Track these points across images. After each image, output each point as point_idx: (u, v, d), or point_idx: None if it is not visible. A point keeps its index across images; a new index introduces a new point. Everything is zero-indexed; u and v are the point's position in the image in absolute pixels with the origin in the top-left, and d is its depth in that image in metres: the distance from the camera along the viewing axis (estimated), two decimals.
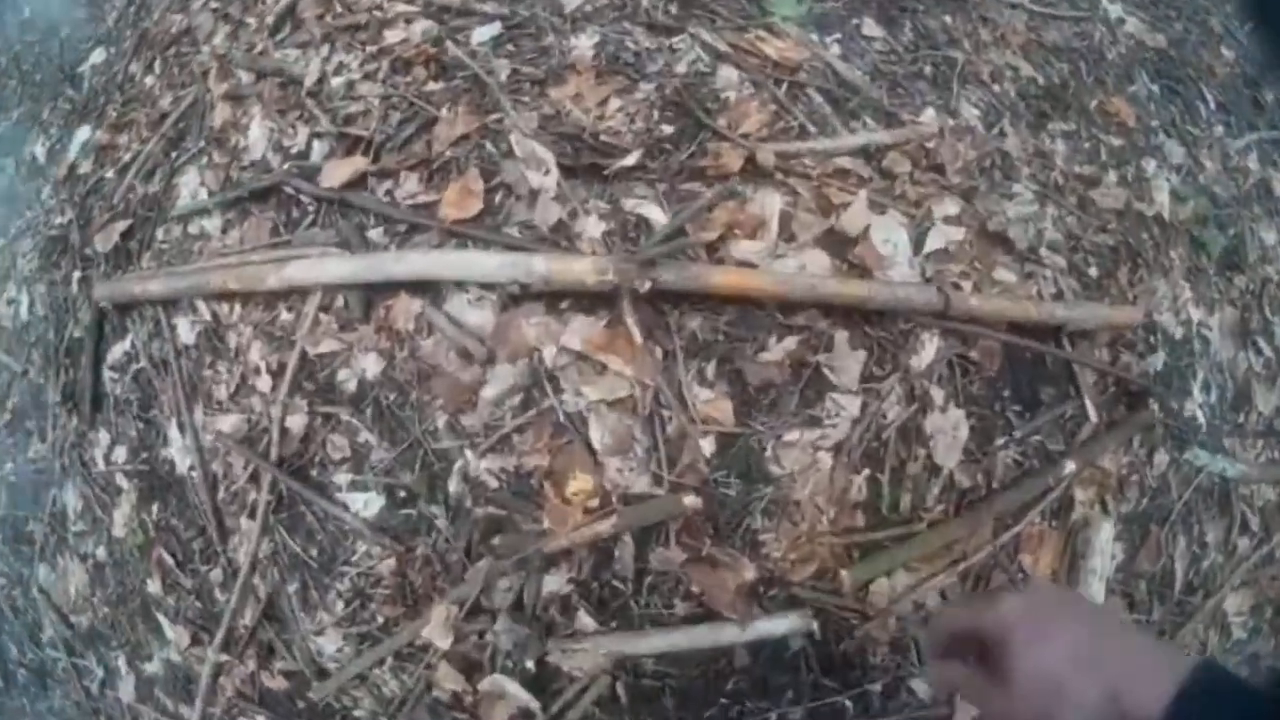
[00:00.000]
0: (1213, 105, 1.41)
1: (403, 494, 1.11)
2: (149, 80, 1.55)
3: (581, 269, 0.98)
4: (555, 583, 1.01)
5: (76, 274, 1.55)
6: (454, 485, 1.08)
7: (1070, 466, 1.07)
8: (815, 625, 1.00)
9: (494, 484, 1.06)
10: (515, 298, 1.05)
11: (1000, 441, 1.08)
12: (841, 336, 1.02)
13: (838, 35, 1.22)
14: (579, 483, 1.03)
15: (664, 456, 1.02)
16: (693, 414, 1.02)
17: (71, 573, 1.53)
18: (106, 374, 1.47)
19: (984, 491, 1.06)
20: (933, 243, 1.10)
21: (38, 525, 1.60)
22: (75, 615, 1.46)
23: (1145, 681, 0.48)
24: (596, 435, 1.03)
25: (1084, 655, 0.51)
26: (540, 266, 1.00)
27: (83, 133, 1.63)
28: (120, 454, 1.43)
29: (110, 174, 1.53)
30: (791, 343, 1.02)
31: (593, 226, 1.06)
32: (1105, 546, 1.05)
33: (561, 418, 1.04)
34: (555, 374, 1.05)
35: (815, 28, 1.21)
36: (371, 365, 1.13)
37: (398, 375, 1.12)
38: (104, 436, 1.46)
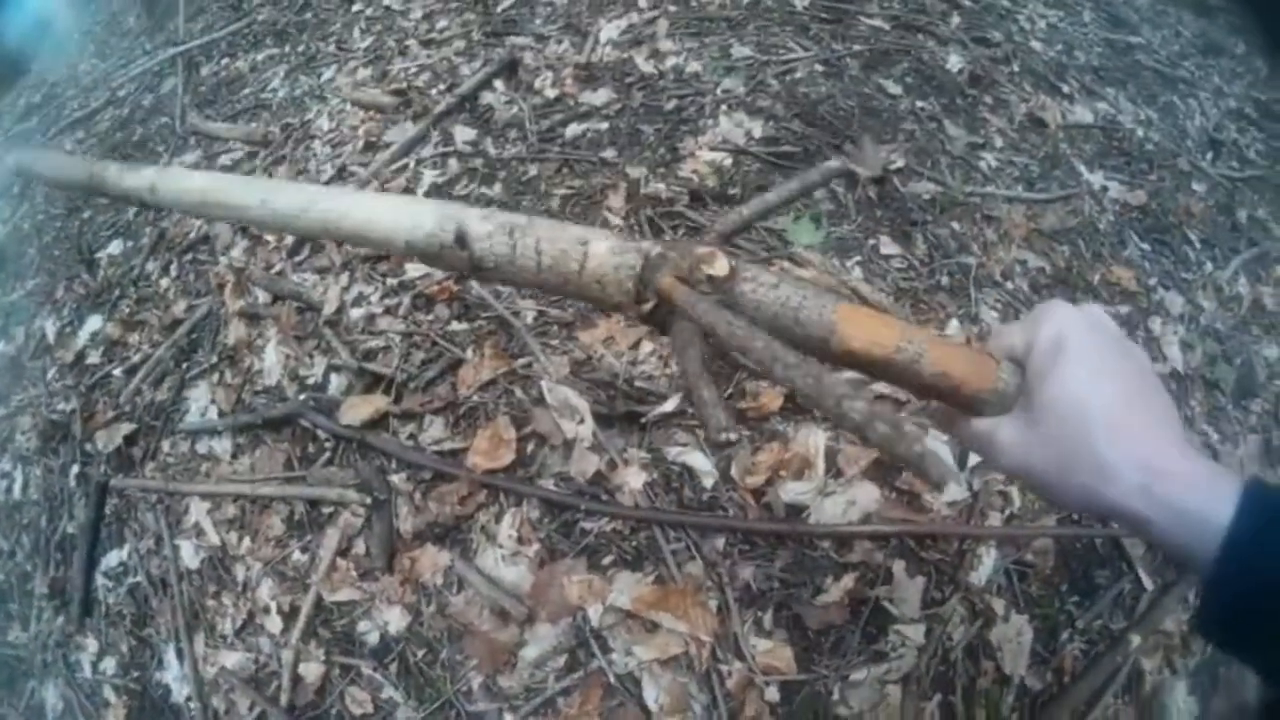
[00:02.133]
0: (1197, 245, 1.14)
1: None
2: (164, 282, 1.10)
3: (587, 234, 0.40)
4: None
5: (75, 467, 1.06)
6: None
7: (1135, 641, 0.79)
8: None
9: None
10: (552, 552, 0.68)
11: (1065, 636, 0.80)
12: (899, 566, 0.74)
13: (858, 258, 0.95)
14: None
15: (725, 712, 0.69)
16: (752, 665, 0.67)
17: None
18: (99, 579, 0.98)
19: (1056, 689, 0.76)
20: (975, 456, 0.81)
21: (12, 713, 1.05)
22: None
23: (1193, 478, 0.29)
24: (651, 695, 0.68)
25: (1129, 414, 0.31)
26: (519, 219, 0.41)
27: (94, 322, 1.15)
28: (109, 666, 0.94)
29: (119, 372, 1.07)
30: (849, 580, 0.72)
31: (634, 477, 0.72)
32: (1181, 705, 0.77)
33: (612, 679, 0.69)
34: (602, 633, 0.69)
35: (836, 252, 0.92)
36: (396, 619, 0.74)
37: (425, 631, 0.72)
38: (93, 643, 0.97)
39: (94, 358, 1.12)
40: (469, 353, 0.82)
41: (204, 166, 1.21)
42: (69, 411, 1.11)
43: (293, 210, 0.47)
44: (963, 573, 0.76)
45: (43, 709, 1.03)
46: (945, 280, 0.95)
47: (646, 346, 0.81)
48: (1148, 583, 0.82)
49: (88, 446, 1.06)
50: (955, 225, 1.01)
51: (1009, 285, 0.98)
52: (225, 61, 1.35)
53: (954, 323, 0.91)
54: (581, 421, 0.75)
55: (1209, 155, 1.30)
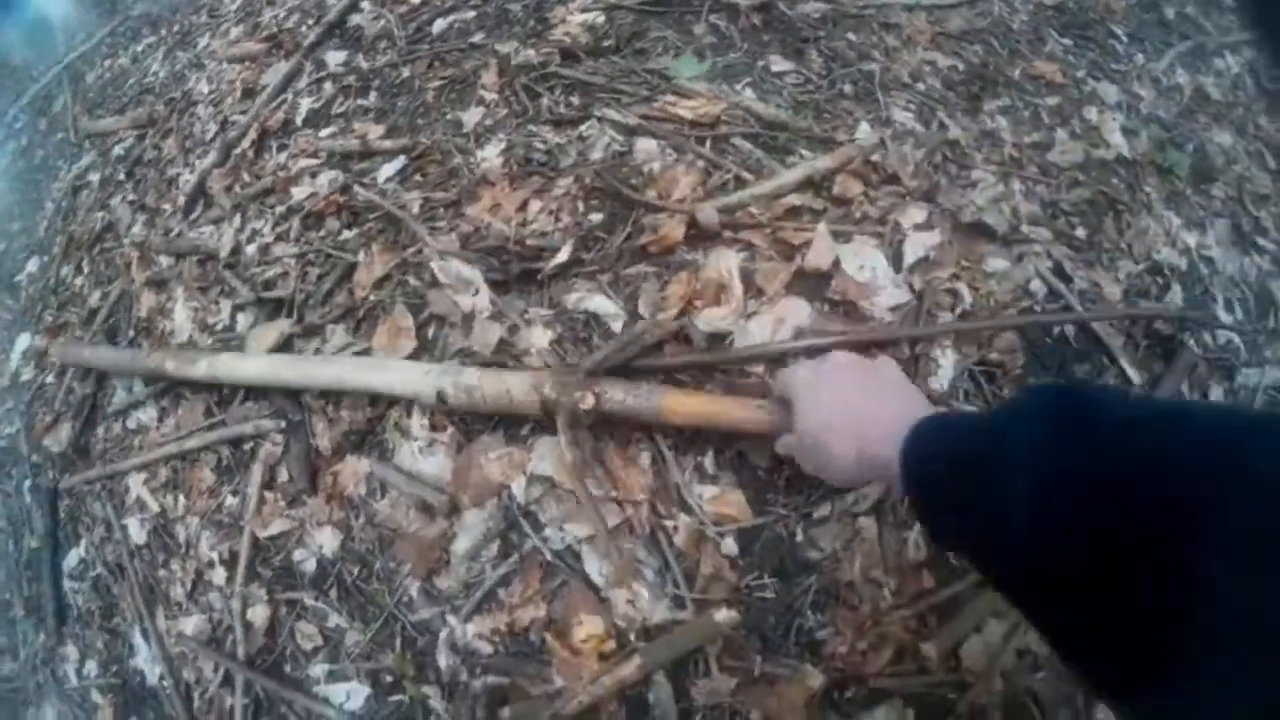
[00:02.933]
0: (1124, 39, 1.09)
1: (388, 678, 0.68)
2: (79, 281, 1.09)
3: (512, 383, 0.60)
4: None
5: (28, 482, 1.04)
6: (443, 659, 0.65)
7: None
8: (911, 715, 0.61)
9: (488, 649, 0.64)
10: (468, 433, 0.64)
11: None
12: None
13: (748, 80, 0.88)
14: (586, 627, 0.64)
15: (679, 573, 0.63)
16: (701, 516, 0.61)
17: None
18: (67, 584, 0.96)
19: None
20: (911, 254, 0.74)
21: None
22: None
23: (883, 426, 0.43)
24: (594, 568, 0.62)
25: (840, 416, 0.47)
26: (471, 377, 0.60)
27: (23, 340, 1.14)
28: (91, 668, 0.93)
29: (50, 378, 1.05)
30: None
31: (538, 337, 0.67)
32: None
33: (549, 557, 0.63)
34: (530, 509, 0.64)
35: (723, 79, 0.86)
36: (328, 540, 0.70)
37: (358, 546, 0.69)
38: (73, 651, 0.95)
39: (28, 374, 1.11)
40: (361, 255, 0.78)
41: (99, 165, 1.20)
42: (14, 433, 1.10)
43: (332, 382, 0.70)
44: (919, 380, 0.67)
45: None
46: (848, 88, 0.88)
47: (535, 205, 0.75)
48: (1135, 375, 0.74)
49: (35, 458, 1.06)
50: (851, 36, 0.94)
51: (920, 86, 0.91)
52: (108, 63, 1.35)
53: (864, 125, 0.83)
54: (477, 292, 0.71)
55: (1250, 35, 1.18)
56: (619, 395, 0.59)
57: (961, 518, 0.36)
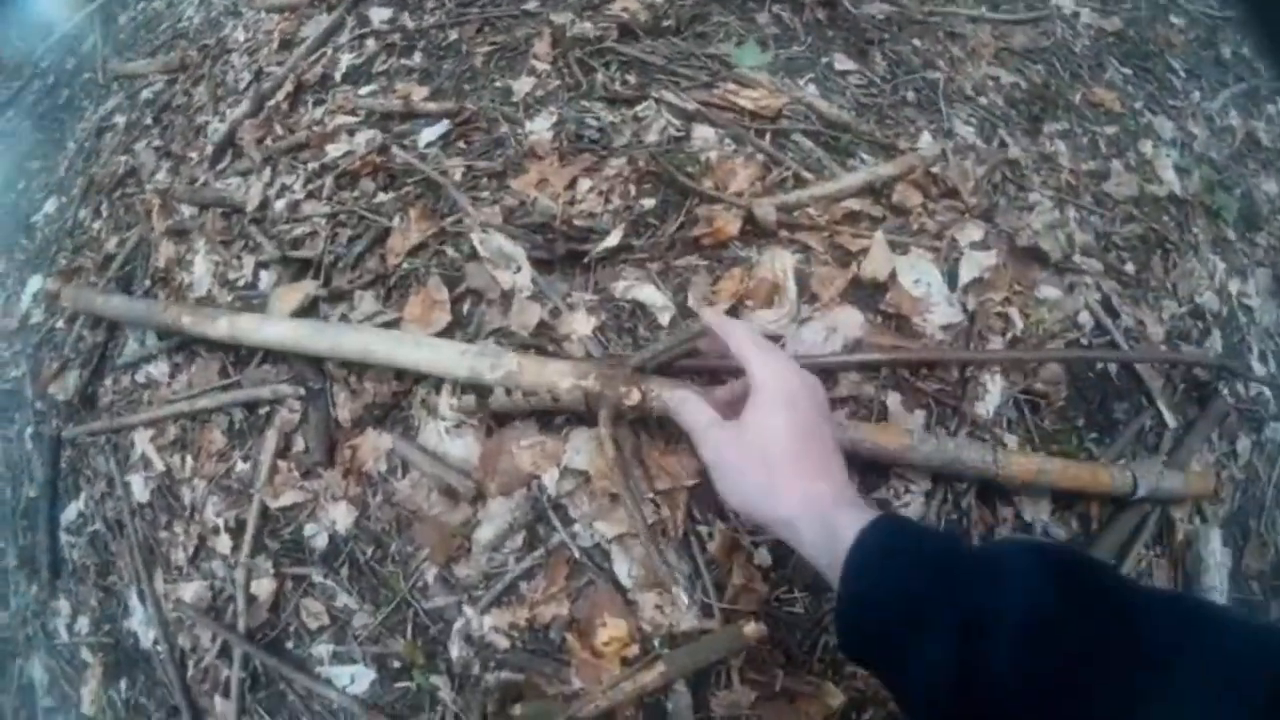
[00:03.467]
0: (1182, 74, 1.07)
1: (396, 664, 0.65)
2: (96, 225, 1.05)
3: (555, 371, 0.57)
4: None
5: (30, 429, 1.01)
6: (456, 649, 0.62)
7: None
8: None
9: (505, 643, 0.61)
10: (499, 418, 0.61)
11: None
12: (894, 400, 0.64)
13: (811, 75, 0.85)
14: (610, 629, 0.61)
15: (709, 581, 0.60)
16: (737, 524, 0.59)
17: None
18: (63, 537, 0.94)
19: (1082, 538, 0.66)
20: (966, 273, 0.71)
21: (6, 698, 1.02)
22: None
23: (838, 487, 0.40)
24: (623, 569, 0.59)
25: (804, 447, 0.41)
26: (510, 362, 0.58)
27: (34, 282, 1.11)
28: (83, 625, 0.90)
29: (60, 323, 1.01)
30: (840, 417, 0.62)
31: (581, 323, 0.63)
32: (1217, 557, 0.67)
33: (577, 554, 0.60)
34: (561, 502, 0.61)
35: (785, 72, 0.82)
36: (342, 516, 0.67)
37: (373, 525, 0.66)
38: (65, 606, 0.92)
39: (37, 317, 1.08)
40: (396, 220, 0.74)
41: (125, 108, 1.17)
42: (20, 377, 1.08)
43: (358, 353, 0.65)
44: (966, 404, 0.65)
45: (32, 689, 1.00)
46: (911, 95, 0.86)
47: (584, 183, 0.72)
48: (1170, 419, 0.73)
49: (39, 405, 1.03)
50: (916, 42, 0.92)
51: (982, 100, 0.89)
52: (141, 5, 1.31)
53: (925, 136, 0.82)
54: (518, 270, 0.67)
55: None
56: (666, 394, 0.55)
57: (894, 638, 0.32)
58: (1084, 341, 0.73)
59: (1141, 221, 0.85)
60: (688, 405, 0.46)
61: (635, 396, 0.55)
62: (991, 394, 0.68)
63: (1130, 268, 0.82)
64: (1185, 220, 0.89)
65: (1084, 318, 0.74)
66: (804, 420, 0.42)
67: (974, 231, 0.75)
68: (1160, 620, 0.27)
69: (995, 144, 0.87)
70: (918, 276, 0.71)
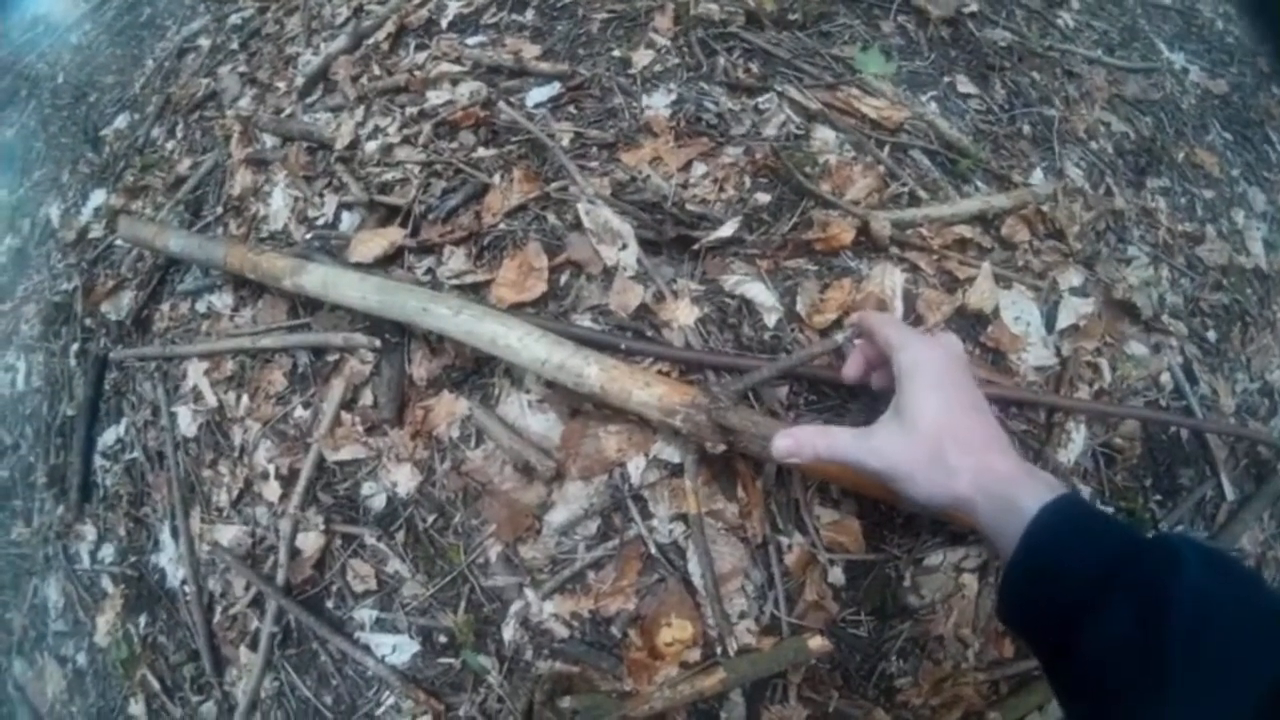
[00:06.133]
0: (1278, 147, 1.07)
1: (443, 639, 0.63)
2: (170, 145, 1.04)
3: (640, 402, 0.54)
4: None
5: (75, 345, 1.00)
6: (509, 632, 0.60)
7: None
8: None
9: (563, 632, 0.59)
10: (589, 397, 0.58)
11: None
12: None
13: (933, 93, 0.84)
14: (675, 630, 0.59)
15: (782, 593, 0.58)
16: (815, 539, 0.56)
17: (49, 674, 0.95)
18: (98, 461, 0.93)
19: None
20: (1064, 318, 0.71)
21: (17, 615, 1.02)
22: None
23: (1009, 464, 0.40)
24: (697, 571, 0.56)
25: (966, 427, 0.41)
26: (593, 375, 0.53)
27: (97, 196, 1.10)
28: (108, 553, 0.89)
29: (120, 241, 0.99)
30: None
31: (684, 312, 0.61)
32: None
33: (653, 550, 0.58)
34: (642, 494, 0.58)
35: (908, 86, 0.80)
36: (405, 479, 0.64)
37: (438, 493, 0.63)
38: (91, 531, 0.91)
39: (96, 231, 1.07)
40: (496, 178, 0.72)
41: (211, 31, 1.15)
42: (71, 290, 1.06)
43: (432, 323, 0.61)
44: (1050, 449, 0.65)
45: (45, 609, 0.99)
46: (1026, 129, 0.85)
47: (699, 168, 0.69)
48: (1230, 492, 0.73)
49: (88, 322, 1.02)
50: (1035, 75, 0.91)
51: (1093, 145, 0.88)
52: None
53: (1037, 173, 0.81)
54: (624, 247, 0.65)
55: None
56: (755, 446, 0.53)
57: (1069, 611, 0.34)
58: (1162, 403, 0.74)
59: (1228, 291, 0.86)
60: (828, 439, 0.45)
61: (722, 448, 0.54)
62: (1075, 442, 0.68)
63: (1212, 335, 0.82)
64: (1267, 296, 0.90)
65: (1165, 379, 0.75)
66: (958, 393, 0.43)
67: (1074, 277, 0.75)
68: None
69: (1102, 191, 0.86)
70: (1019, 314, 0.70)
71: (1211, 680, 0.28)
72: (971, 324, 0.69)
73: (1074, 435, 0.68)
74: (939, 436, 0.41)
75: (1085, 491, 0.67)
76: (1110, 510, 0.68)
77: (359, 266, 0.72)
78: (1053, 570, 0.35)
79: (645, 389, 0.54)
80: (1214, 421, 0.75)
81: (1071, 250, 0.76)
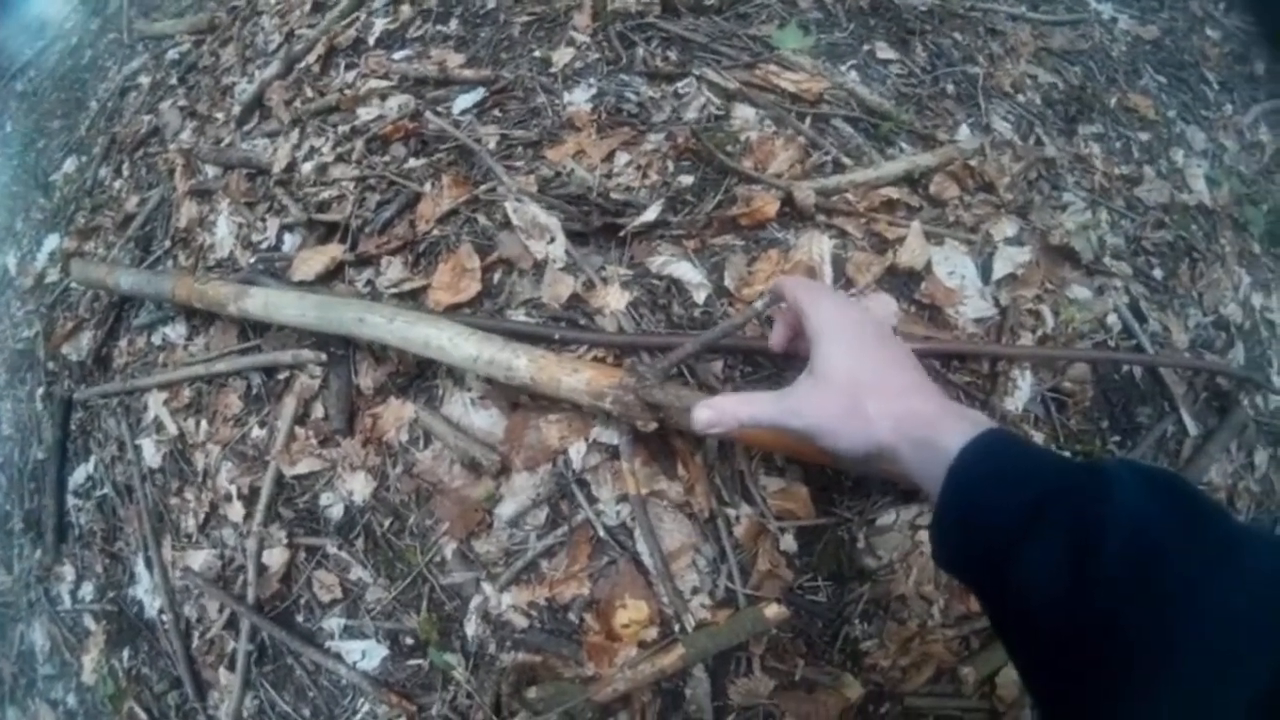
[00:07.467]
0: (1215, 86, 1.07)
1: (409, 641, 0.64)
2: (117, 184, 1.05)
3: (570, 388, 0.55)
4: None
5: (40, 389, 1.01)
6: (472, 627, 0.61)
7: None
8: None
9: (523, 622, 0.60)
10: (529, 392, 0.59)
11: None
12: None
13: (853, 62, 0.85)
14: (630, 611, 0.60)
15: (734, 565, 0.59)
16: (764, 509, 0.57)
17: (42, 719, 0.94)
18: (70, 500, 0.93)
19: None
20: (1000, 268, 0.71)
21: (6, 663, 1.02)
22: None
23: (932, 407, 0.39)
24: (645, 550, 0.57)
25: (882, 377, 0.41)
26: (522, 367, 0.54)
27: (51, 241, 1.11)
28: (87, 591, 0.89)
29: (74, 283, 1.00)
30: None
31: (615, 297, 0.62)
32: None
33: (601, 532, 0.59)
34: (586, 478, 0.59)
35: (827, 57, 0.82)
36: (360, 486, 0.66)
37: (392, 497, 0.64)
38: (70, 571, 0.92)
39: (53, 275, 1.08)
40: (427, 186, 0.73)
41: (150, 68, 1.16)
42: (32, 336, 1.07)
43: (368, 334, 0.62)
44: (996, 398, 0.66)
45: (32, 655, 0.99)
46: (950, 88, 0.86)
47: (622, 157, 0.71)
48: (1191, 427, 0.74)
49: (51, 365, 1.02)
50: (957, 35, 0.92)
51: (1020, 98, 0.89)
52: None
53: (964, 129, 0.81)
54: (552, 240, 0.66)
55: (1222, 4, 1.21)
56: (685, 420, 0.52)
57: (999, 547, 0.32)
58: (1111, 344, 0.74)
59: (1171, 229, 0.86)
60: (748, 405, 0.45)
61: (653, 426, 0.55)
62: (1021, 390, 0.68)
63: (1158, 274, 0.83)
64: (1213, 231, 0.90)
65: (1112, 320, 0.75)
66: (872, 345, 0.42)
67: (1008, 227, 0.75)
68: (1262, 548, 0.27)
69: (1032, 141, 0.87)
70: (952, 268, 0.71)
71: (1157, 614, 0.26)
72: (904, 282, 0.69)
73: (1020, 383, 0.68)
74: (854, 387, 0.40)
75: (1038, 438, 0.67)
76: (1065, 454, 0.68)
77: (302, 285, 0.73)
78: (978, 509, 0.33)
79: (573, 375, 0.55)
80: (1167, 355, 0.75)
81: (1003, 201, 0.77)
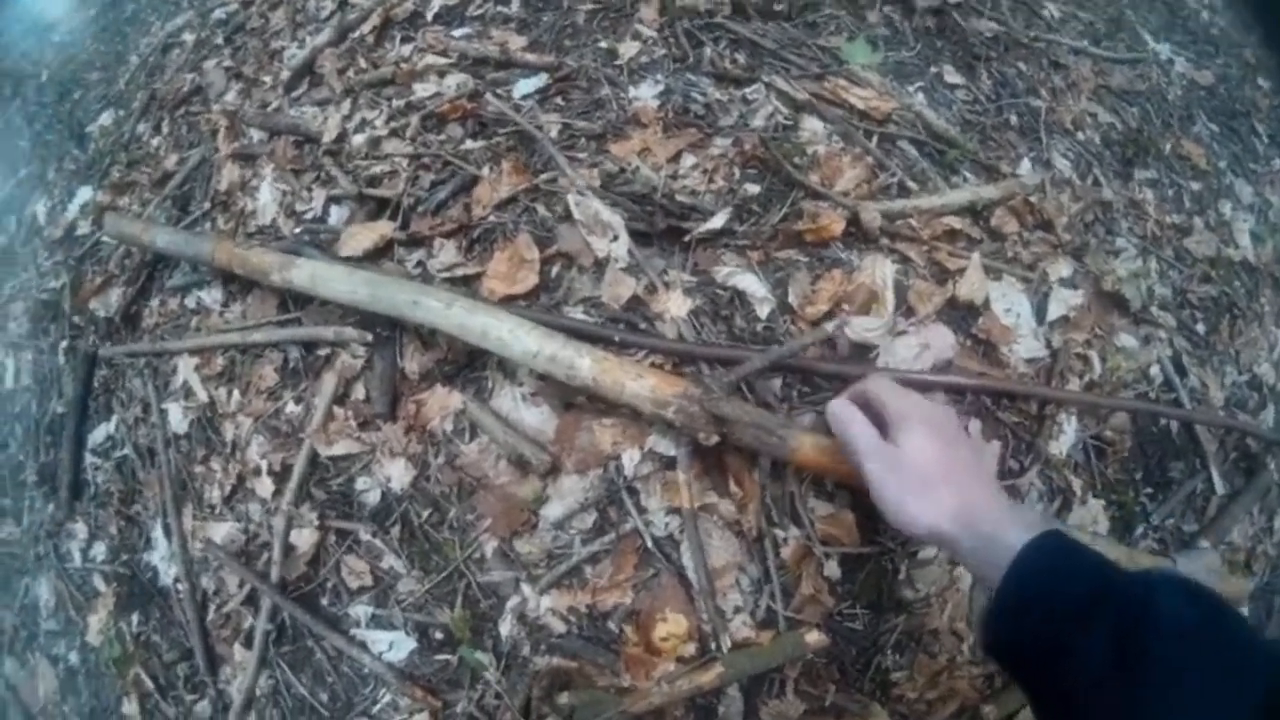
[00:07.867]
0: (1265, 138, 1.07)
1: (439, 635, 0.62)
2: (155, 141, 1.02)
3: (634, 394, 0.54)
4: None
5: (64, 343, 0.98)
6: (506, 627, 0.59)
7: (1205, 546, 0.67)
8: None
9: (560, 627, 0.58)
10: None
11: (1139, 531, 0.70)
12: (974, 426, 0.61)
13: (920, 83, 0.84)
14: (671, 624, 0.59)
15: (778, 587, 0.58)
16: (811, 533, 0.55)
17: (41, 674, 0.94)
18: (88, 458, 0.91)
19: None
20: (1054, 310, 0.71)
21: (7, 613, 1.01)
22: None
23: (989, 499, 0.44)
24: (692, 564, 0.55)
25: (952, 466, 0.45)
26: (586, 367, 0.52)
27: (84, 193, 1.08)
28: (99, 551, 0.88)
29: (107, 236, 0.97)
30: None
31: (676, 304, 0.60)
32: None
33: (649, 543, 0.57)
34: (637, 486, 0.58)
35: (895, 76, 0.80)
36: (399, 473, 0.64)
37: (432, 487, 0.63)
38: (82, 529, 0.90)
39: (83, 228, 1.05)
40: (485, 170, 0.71)
41: (195, 26, 1.13)
42: (59, 288, 1.05)
43: (420, 316, 0.60)
44: (1042, 440, 0.65)
45: (36, 608, 0.98)
46: (1013, 120, 0.85)
47: (688, 159, 0.69)
48: (1219, 485, 0.74)
49: (76, 319, 1.00)
50: (1021, 65, 0.91)
51: (1080, 136, 0.88)
52: None
53: (1025, 163, 0.80)
54: (615, 239, 0.64)
55: (1275, 54, 1.21)
56: (748, 436, 0.53)
57: (1050, 635, 0.36)
58: (1152, 395, 0.74)
59: (1216, 284, 0.86)
60: (856, 425, 0.48)
61: (715, 440, 0.54)
62: (1066, 434, 0.68)
63: (1201, 328, 0.82)
64: (1255, 289, 0.90)
65: (1154, 371, 0.75)
66: (950, 443, 0.46)
67: (1064, 268, 0.75)
68: None
69: (1089, 182, 0.86)
70: (1009, 305, 0.70)
71: (1191, 708, 0.31)
72: (962, 315, 0.68)
73: (1065, 427, 0.68)
74: (931, 474, 0.44)
75: (1076, 484, 0.67)
76: (1101, 504, 0.68)
77: (349, 260, 0.71)
78: (1039, 598, 0.37)
79: (638, 381, 0.54)
80: (1204, 413, 0.75)
81: (1060, 241, 0.76)
